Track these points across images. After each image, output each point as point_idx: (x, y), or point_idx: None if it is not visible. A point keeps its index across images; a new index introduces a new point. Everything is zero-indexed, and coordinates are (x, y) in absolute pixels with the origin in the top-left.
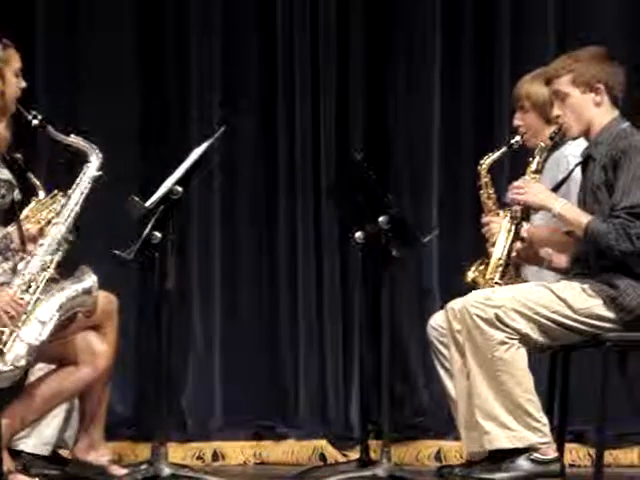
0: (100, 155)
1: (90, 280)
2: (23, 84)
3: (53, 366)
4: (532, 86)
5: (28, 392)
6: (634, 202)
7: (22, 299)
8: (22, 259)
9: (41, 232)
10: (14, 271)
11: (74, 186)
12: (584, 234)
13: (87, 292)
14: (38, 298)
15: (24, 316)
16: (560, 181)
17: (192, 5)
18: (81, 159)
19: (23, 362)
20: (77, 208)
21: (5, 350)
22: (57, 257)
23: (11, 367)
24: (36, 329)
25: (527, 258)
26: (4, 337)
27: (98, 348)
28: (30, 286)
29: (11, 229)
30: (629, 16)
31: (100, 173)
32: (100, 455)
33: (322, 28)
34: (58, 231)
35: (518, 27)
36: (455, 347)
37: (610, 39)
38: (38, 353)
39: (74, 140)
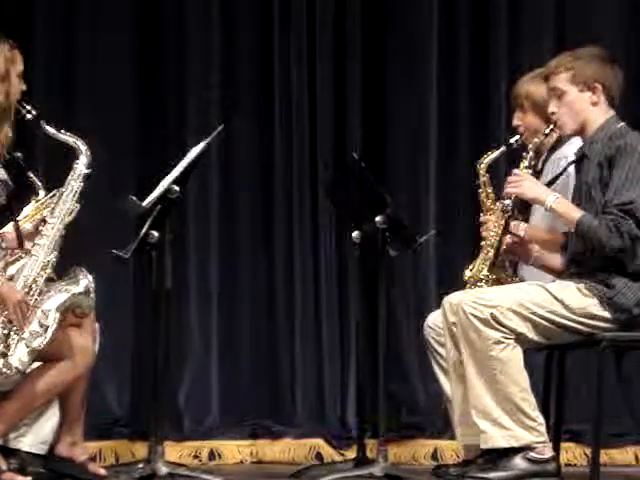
0: (89, 153)
1: (86, 281)
2: (23, 87)
3: None
4: (531, 86)
5: (18, 390)
6: (627, 199)
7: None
8: (20, 258)
9: (36, 228)
10: (5, 269)
11: (66, 184)
12: (575, 229)
13: (84, 293)
14: (36, 299)
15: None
16: (553, 177)
17: (189, 3)
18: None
19: (25, 366)
20: (69, 205)
21: (9, 354)
22: (54, 257)
23: (14, 371)
24: (38, 332)
25: (517, 253)
26: (9, 340)
27: (82, 344)
28: (31, 288)
29: (7, 229)
30: (627, 19)
31: (89, 171)
32: (80, 453)
33: (319, 25)
34: (54, 231)
35: (515, 24)
36: (451, 340)
37: (608, 40)
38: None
39: (66, 137)
